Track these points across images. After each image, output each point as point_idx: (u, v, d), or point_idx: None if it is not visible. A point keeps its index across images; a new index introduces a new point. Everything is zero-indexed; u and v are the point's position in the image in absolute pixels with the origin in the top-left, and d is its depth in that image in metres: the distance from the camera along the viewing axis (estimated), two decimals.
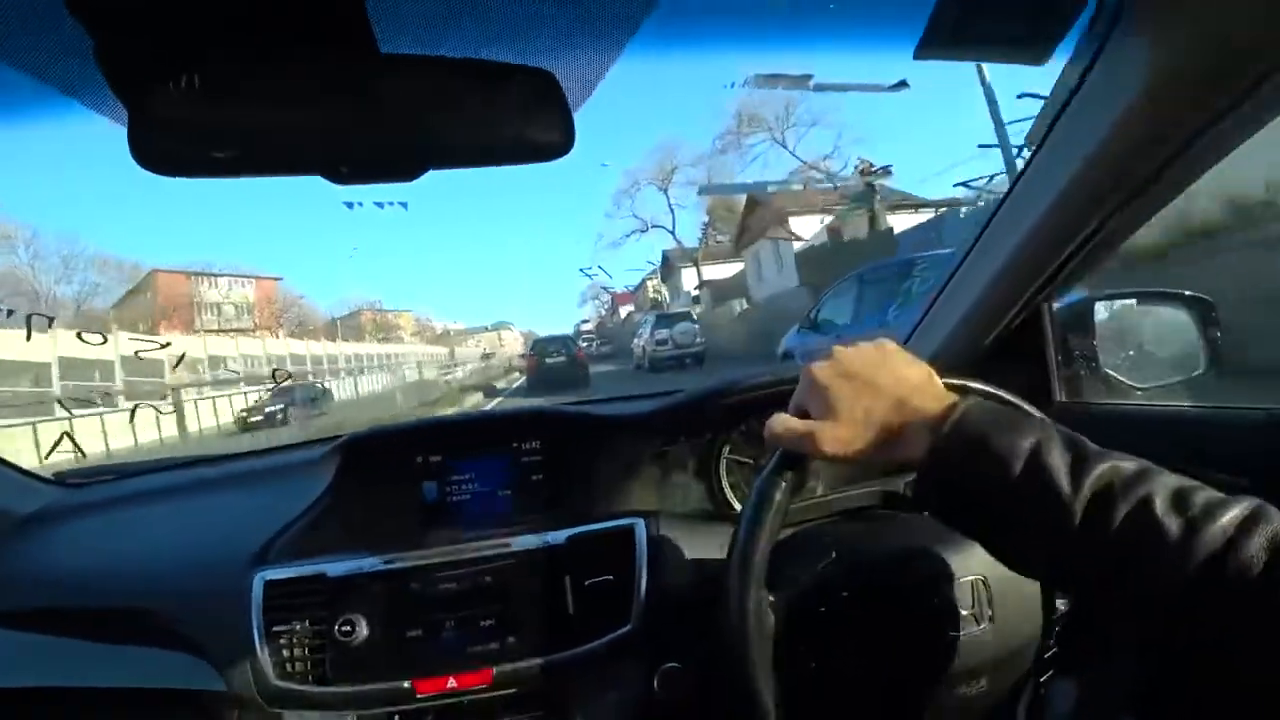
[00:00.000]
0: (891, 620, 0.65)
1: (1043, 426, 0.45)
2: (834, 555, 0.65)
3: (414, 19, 0.57)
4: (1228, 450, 0.71)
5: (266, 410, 11.59)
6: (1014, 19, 0.68)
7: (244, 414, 12.21)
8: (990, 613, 0.66)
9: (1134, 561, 0.39)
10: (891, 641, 0.65)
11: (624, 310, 34.71)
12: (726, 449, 0.96)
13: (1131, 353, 0.96)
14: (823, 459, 0.50)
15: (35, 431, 6.91)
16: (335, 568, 0.78)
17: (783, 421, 0.52)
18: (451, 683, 0.74)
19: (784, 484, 0.52)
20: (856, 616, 0.64)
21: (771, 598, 0.54)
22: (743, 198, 22.33)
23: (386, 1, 0.52)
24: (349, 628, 0.74)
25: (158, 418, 9.78)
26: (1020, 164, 0.82)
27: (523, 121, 0.58)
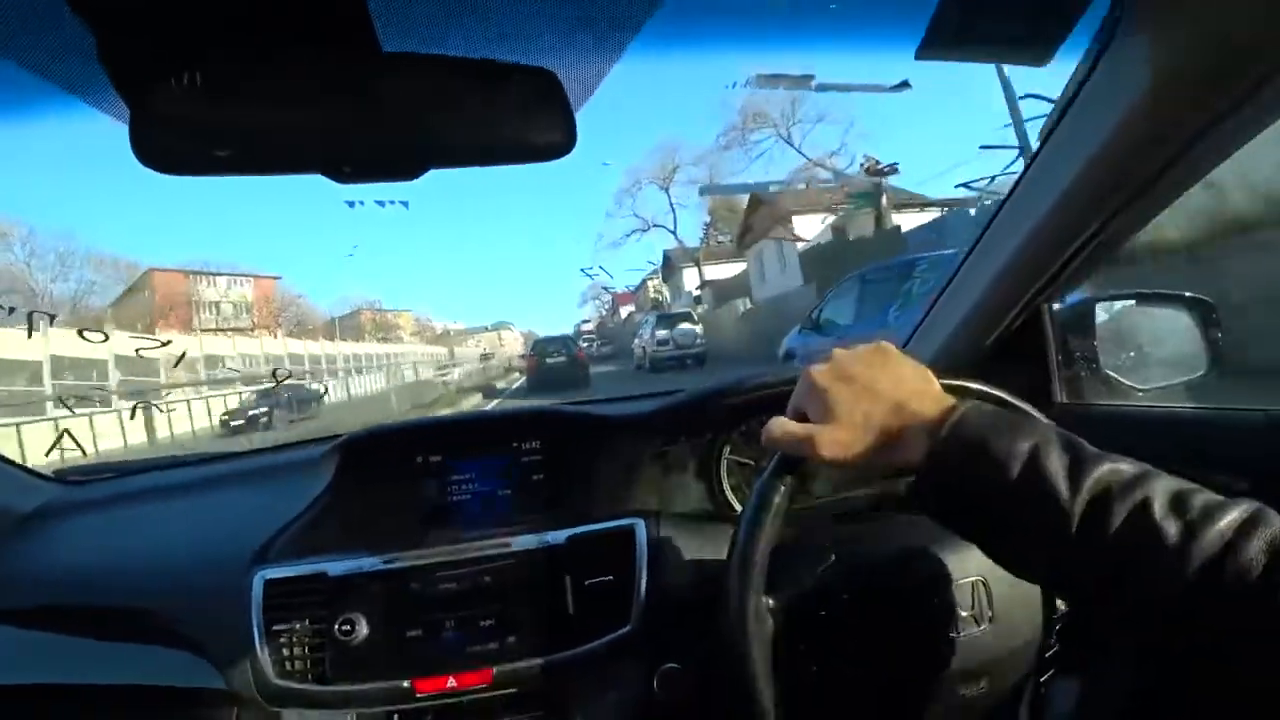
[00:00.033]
0: (892, 622, 0.65)
1: (1041, 430, 0.45)
2: (833, 558, 0.65)
3: (416, 18, 0.57)
4: (1228, 452, 0.71)
5: (249, 414, 10.95)
6: (1016, 20, 0.68)
7: (225, 417, 11.50)
8: (990, 613, 0.67)
9: (1132, 565, 0.39)
10: (892, 643, 0.65)
11: (624, 310, 34.72)
12: (727, 449, 0.96)
13: (1132, 354, 0.96)
14: (821, 463, 0.50)
15: (19, 432, 6.83)
16: (335, 567, 0.78)
17: (781, 425, 0.51)
18: (451, 682, 0.74)
19: (783, 487, 0.52)
20: (857, 619, 0.64)
21: (771, 602, 0.54)
22: (745, 197, 22.21)
23: (389, 1, 0.52)
24: (349, 627, 0.74)
25: (146, 418, 9.61)
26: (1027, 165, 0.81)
27: (524, 121, 0.58)
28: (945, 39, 0.69)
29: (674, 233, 28.02)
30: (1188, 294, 0.96)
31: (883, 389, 0.49)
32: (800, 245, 18.00)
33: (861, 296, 6.23)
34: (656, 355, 14.30)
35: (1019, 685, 0.68)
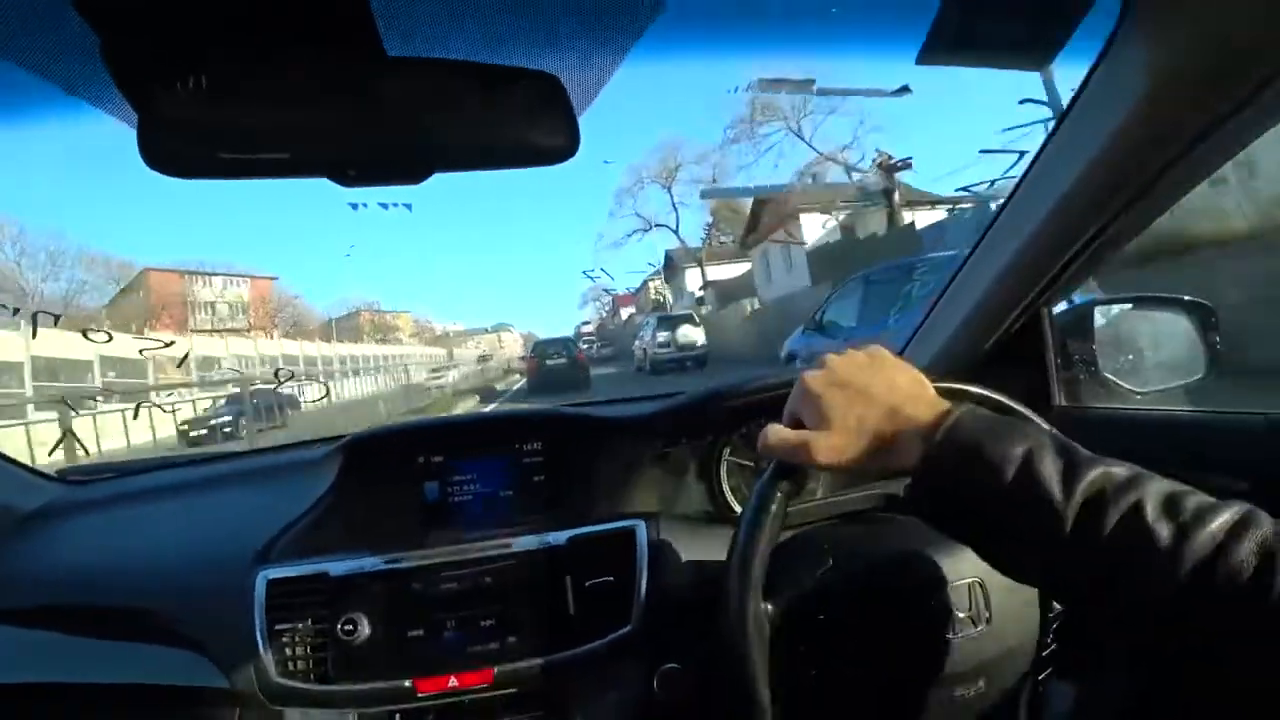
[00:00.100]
0: (890, 623, 0.65)
1: (1035, 433, 0.45)
2: (831, 563, 0.65)
3: (420, 22, 0.58)
4: (1227, 455, 0.72)
5: (211, 422, 9.76)
6: (1016, 24, 0.69)
7: (184, 426, 10.08)
8: (988, 614, 0.67)
9: (1125, 567, 0.39)
10: (890, 645, 0.65)
11: (625, 312, 34.71)
12: (727, 451, 0.96)
13: (1131, 357, 0.96)
14: (817, 468, 0.50)
15: None
16: (337, 567, 0.78)
17: (776, 432, 0.52)
18: (452, 682, 0.74)
19: (780, 492, 0.52)
20: (855, 620, 0.64)
21: (769, 606, 0.54)
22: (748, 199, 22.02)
23: (393, 5, 0.52)
24: (351, 627, 0.74)
25: (126, 422, 9.02)
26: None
27: (528, 125, 0.58)
28: (946, 44, 0.69)
29: (676, 232, 27.88)
30: (1186, 297, 0.97)
31: (877, 394, 0.49)
32: (809, 244, 17.70)
33: (866, 298, 6.18)
34: (657, 357, 14.28)
35: (1017, 685, 0.68)
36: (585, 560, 0.79)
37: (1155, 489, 0.40)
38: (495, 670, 0.75)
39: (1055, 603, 0.65)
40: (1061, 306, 0.95)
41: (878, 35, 0.74)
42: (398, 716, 0.77)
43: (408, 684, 0.74)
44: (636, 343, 16.76)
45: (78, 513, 0.97)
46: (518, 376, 18.65)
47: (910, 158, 13.57)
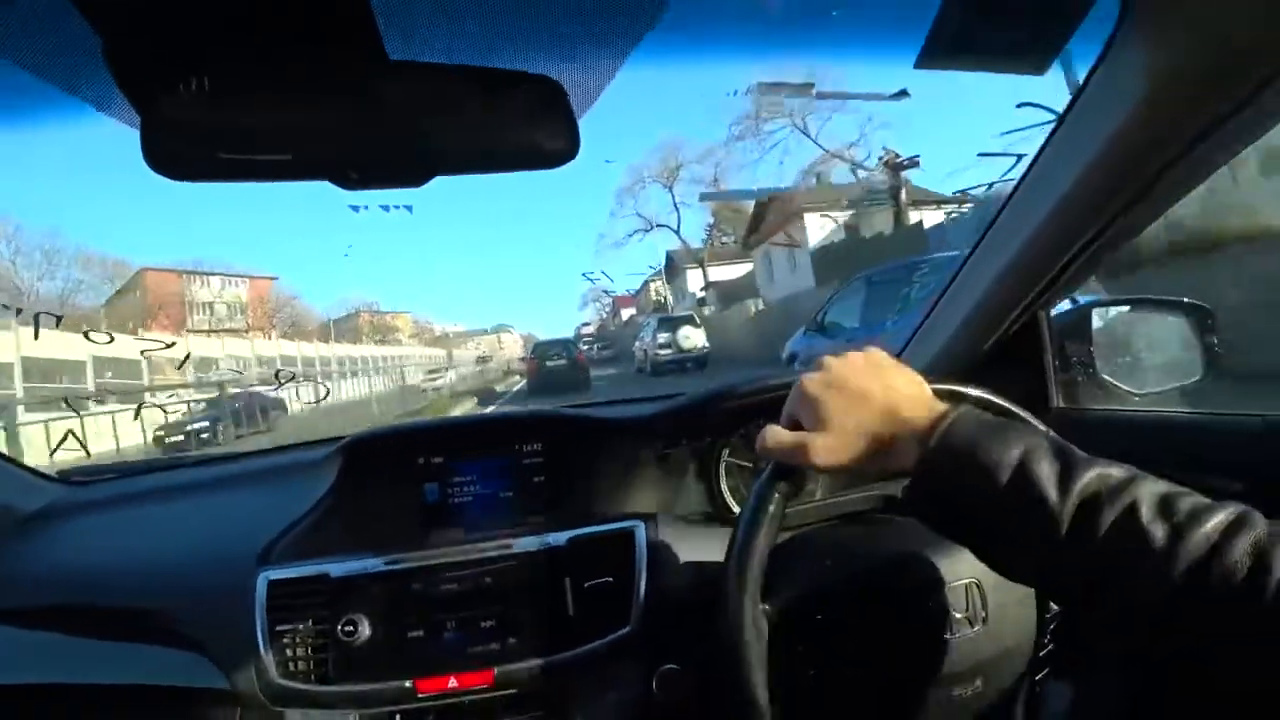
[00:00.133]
0: (887, 624, 0.66)
1: (1031, 435, 0.45)
2: (829, 564, 0.66)
3: (421, 26, 0.58)
4: (1225, 457, 0.72)
5: (188, 428, 9.36)
6: (1015, 28, 0.69)
7: (160, 433, 9.60)
8: (984, 614, 0.67)
9: (1120, 568, 0.39)
10: (888, 645, 0.65)
11: (625, 313, 34.69)
12: (726, 452, 0.97)
13: (1129, 359, 0.96)
14: (815, 469, 0.50)
15: None
16: (338, 568, 0.78)
17: (774, 434, 0.52)
18: (453, 682, 0.75)
19: (779, 493, 0.52)
20: (853, 621, 0.64)
21: (767, 606, 0.54)
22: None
23: (396, 9, 0.53)
24: (351, 627, 0.75)
25: (114, 423, 8.89)
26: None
27: (528, 129, 0.58)
28: (944, 47, 0.69)
29: (677, 232, 27.77)
30: (1184, 300, 0.97)
31: (874, 396, 0.49)
32: (813, 244, 17.51)
33: (868, 299, 6.14)
34: (657, 358, 14.23)
35: (1014, 685, 0.69)
36: (585, 561, 0.80)
37: (1150, 490, 0.41)
38: (495, 671, 0.75)
39: (1052, 603, 0.65)
40: (1061, 308, 0.95)
41: (878, 38, 0.75)
42: (398, 717, 0.77)
43: (408, 685, 0.74)
44: (637, 344, 16.71)
45: (79, 514, 0.97)
46: (517, 378, 18.59)
47: (918, 156, 13.47)
